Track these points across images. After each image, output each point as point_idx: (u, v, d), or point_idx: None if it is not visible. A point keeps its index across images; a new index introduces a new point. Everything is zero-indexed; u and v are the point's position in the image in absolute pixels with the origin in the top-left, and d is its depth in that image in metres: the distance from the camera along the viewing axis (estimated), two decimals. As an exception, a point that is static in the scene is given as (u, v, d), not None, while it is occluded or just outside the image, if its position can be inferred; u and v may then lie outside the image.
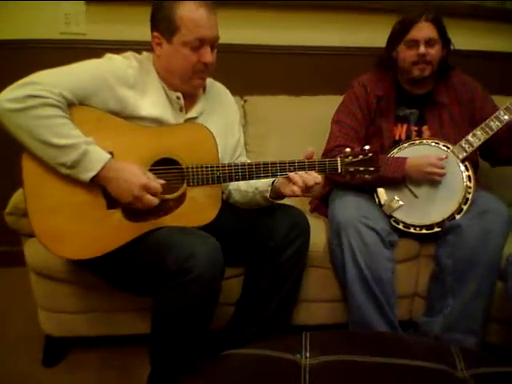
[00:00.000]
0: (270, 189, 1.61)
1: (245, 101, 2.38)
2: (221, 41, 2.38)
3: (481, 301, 1.78)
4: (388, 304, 1.82)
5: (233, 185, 1.74)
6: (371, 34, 2.11)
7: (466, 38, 1.97)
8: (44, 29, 2.31)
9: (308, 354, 1.22)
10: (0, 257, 2.39)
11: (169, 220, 1.54)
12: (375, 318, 1.82)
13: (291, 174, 1.53)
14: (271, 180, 1.61)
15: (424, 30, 1.90)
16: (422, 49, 1.90)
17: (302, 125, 2.33)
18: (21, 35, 2.29)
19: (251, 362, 1.22)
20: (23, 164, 1.45)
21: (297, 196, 1.55)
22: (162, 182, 1.49)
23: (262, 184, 1.64)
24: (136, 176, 1.45)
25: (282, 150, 2.28)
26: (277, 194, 1.61)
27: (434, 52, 1.92)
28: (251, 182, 1.63)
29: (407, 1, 2.29)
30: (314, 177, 1.53)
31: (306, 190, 1.53)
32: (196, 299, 1.43)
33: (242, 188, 1.72)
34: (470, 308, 1.79)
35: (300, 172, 1.54)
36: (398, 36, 1.94)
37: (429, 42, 1.91)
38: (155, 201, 1.47)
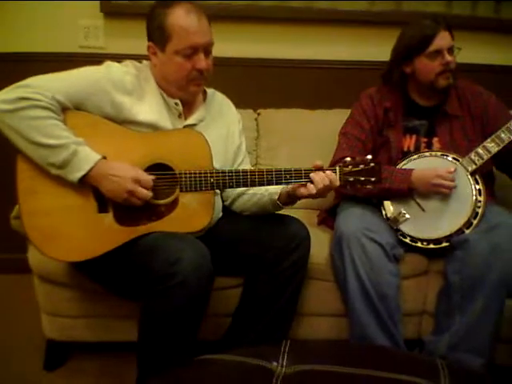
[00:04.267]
0: (279, 191, 1.60)
1: (258, 114, 2.38)
2: (235, 55, 2.41)
3: (488, 319, 1.69)
4: (391, 320, 1.75)
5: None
6: (381, 47, 2.07)
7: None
8: (63, 42, 2.35)
9: (285, 363, 1.19)
10: (9, 263, 2.42)
11: (160, 225, 1.53)
12: (377, 334, 1.75)
13: (312, 175, 1.52)
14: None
15: (446, 39, 1.86)
16: (448, 57, 1.86)
17: (315, 138, 2.30)
18: (40, 48, 2.33)
19: (224, 368, 1.19)
20: (17, 166, 1.49)
21: (310, 197, 1.54)
22: (153, 177, 1.50)
23: (273, 187, 1.62)
24: (126, 171, 1.48)
25: (294, 162, 2.21)
26: (287, 197, 1.60)
27: (454, 59, 1.88)
28: None
29: (414, 12, 2.32)
30: (331, 178, 1.51)
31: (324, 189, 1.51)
32: (181, 304, 1.42)
33: (249, 190, 1.71)
34: (476, 327, 1.70)
35: (319, 172, 1.52)
36: (417, 49, 1.88)
37: (449, 50, 1.87)
38: (149, 194, 1.49)
